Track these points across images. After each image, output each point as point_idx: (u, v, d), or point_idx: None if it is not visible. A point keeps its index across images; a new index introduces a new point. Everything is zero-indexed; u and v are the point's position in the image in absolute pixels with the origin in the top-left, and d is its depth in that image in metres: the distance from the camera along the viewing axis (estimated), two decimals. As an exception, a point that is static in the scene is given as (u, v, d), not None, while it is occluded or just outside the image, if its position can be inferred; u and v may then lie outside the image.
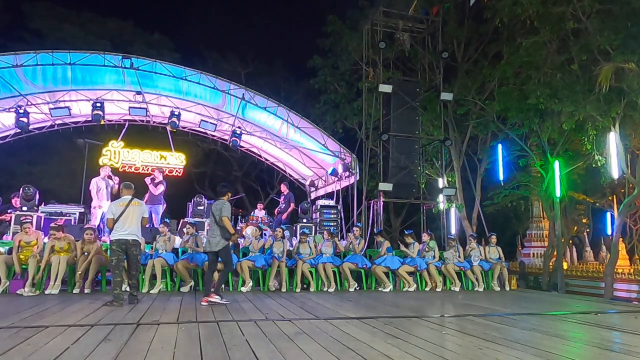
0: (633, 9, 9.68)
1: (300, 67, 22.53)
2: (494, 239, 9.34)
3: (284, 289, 7.75)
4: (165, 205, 10.26)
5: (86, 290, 6.88)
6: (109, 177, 9.83)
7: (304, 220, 10.31)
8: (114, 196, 9.83)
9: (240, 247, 8.58)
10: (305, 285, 8.10)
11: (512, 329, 4.57)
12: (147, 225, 6.46)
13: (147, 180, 10.00)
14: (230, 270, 6.48)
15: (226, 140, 13.85)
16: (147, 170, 12.67)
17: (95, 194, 9.57)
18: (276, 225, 10.03)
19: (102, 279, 7.33)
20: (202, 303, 5.68)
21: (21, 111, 10.59)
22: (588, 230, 19.28)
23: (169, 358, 3.09)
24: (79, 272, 6.88)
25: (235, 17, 32.36)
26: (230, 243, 6.05)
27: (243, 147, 14.68)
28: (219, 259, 6.13)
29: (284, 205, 11.16)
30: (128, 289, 6.71)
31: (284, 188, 11.55)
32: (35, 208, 8.35)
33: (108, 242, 8.42)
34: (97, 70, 11.26)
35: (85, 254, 7.06)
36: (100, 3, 27.91)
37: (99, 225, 9.35)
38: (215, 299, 5.77)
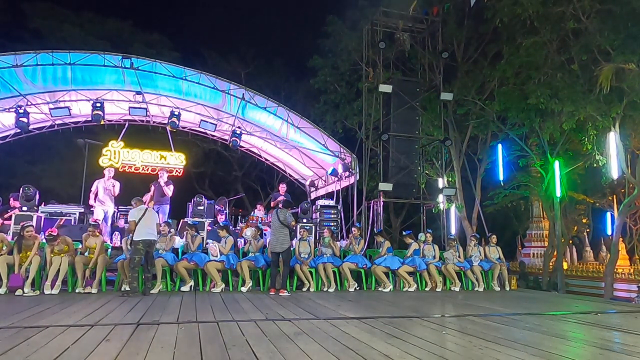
0: (633, 9, 9.69)
1: (300, 67, 22.50)
2: (494, 239, 9.33)
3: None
4: (169, 206, 10.26)
5: (93, 290, 6.90)
6: (113, 178, 9.84)
7: (304, 220, 10.30)
8: (115, 198, 9.87)
9: (240, 247, 8.58)
10: (298, 284, 8.11)
11: (512, 329, 4.57)
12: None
13: (161, 182, 9.93)
14: (289, 268, 7.62)
15: (226, 140, 13.85)
16: (147, 170, 12.66)
17: (100, 194, 9.56)
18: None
19: (103, 279, 7.31)
20: (280, 294, 7.00)
21: (21, 111, 10.58)
22: (588, 230, 19.29)
23: (169, 358, 3.09)
24: (79, 274, 6.89)
25: (236, 17, 32.35)
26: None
27: (243, 147, 14.68)
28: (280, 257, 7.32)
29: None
30: (127, 287, 6.76)
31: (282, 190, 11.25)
32: (35, 208, 8.34)
33: (109, 243, 8.48)
34: (97, 70, 11.25)
35: (86, 254, 7.07)
36: (100, 3, 27.95)
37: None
38: (285, 293, 7.03)
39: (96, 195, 9.56)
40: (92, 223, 7.38)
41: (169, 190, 9.86)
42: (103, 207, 9.55)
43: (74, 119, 12.89)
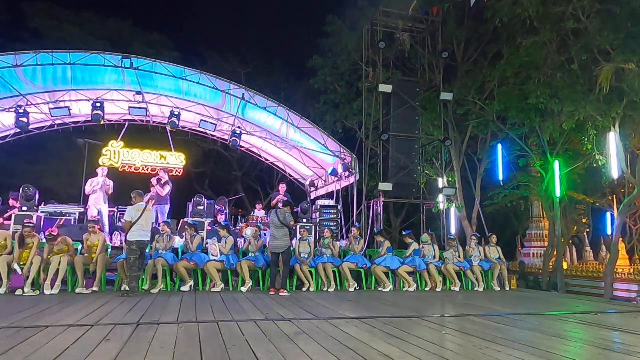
0: (633, 9, 9.69)
1: (300, 67, 22.50)
2: (494, 239, 9.33)
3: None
4: (169, 206, 10.27)
5: (95, 289, 6.91)
6: (106, 176, 9.87)
7: (304, 220, 10.30)
8: (109, 197, 9.88)
9: (240, 247, 8.58)
10: (298, 284, 8.11)
11: (512, 329, 4.57)
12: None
13: (154, 181, 9.96)
14: (289, 268, 7.59)
15: (226, 140, 13.85)
16: (147, 170, 12.67)
17: (91, 193, 9.60)
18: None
19: (102, 279, 7.31)
20: (280, 294, 6.99)
21: (21, 111, 10.59)
22: (588, 230, 19.30)
23: (169, 358, 3.09)
24: (80, 274, 6.89)
25: (236, 17, 32.37)
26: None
27: (243, 147, 14.68)
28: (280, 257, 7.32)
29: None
30: (127, 287, 6.77)
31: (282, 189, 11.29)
32: (35, 208, 8.34)
33: (109, 243, 8.47)
34: (97, 70, 11.26)
35: (85, 255, 7.07)
36: (100, 3, 27.96)
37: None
38: (285, 293, 7.04)
39: (93, 192, 9.59)
40: (92, 219, 7.39)
41: (164, 191, 9.86)
42: (97, 205, 9.58)
43: (74, 119, 12.89)
